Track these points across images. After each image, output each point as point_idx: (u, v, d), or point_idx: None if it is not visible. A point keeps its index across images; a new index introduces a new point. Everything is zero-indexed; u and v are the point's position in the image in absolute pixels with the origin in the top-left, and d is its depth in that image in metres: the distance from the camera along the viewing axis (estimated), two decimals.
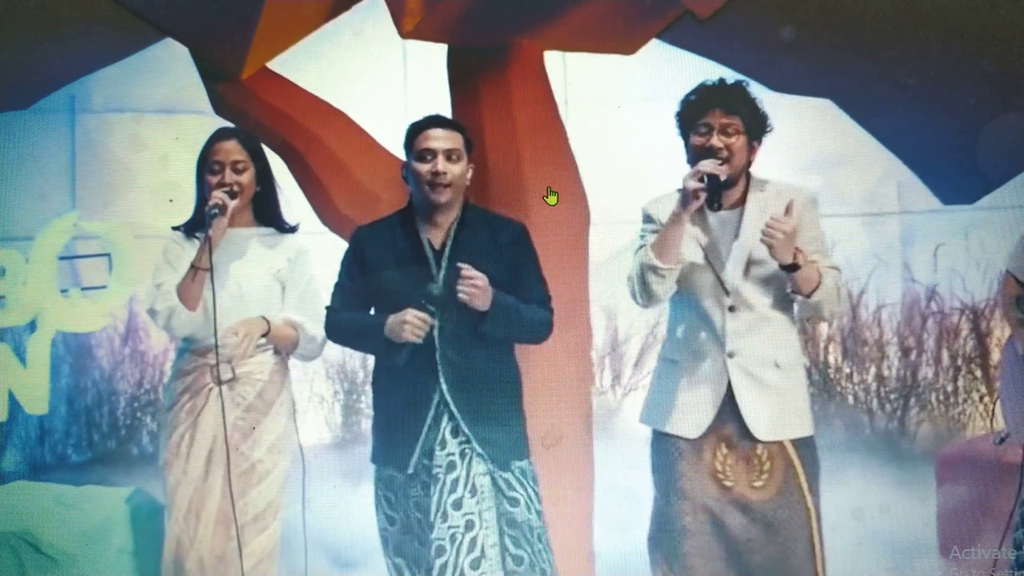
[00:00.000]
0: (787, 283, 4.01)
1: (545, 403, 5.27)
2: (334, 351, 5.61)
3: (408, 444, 4.10)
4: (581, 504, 5.42)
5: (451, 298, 4.07)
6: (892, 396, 6.51)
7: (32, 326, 5.98)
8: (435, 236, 4.21)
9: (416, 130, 4.25)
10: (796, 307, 4.14)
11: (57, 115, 6.65)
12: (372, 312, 4.23)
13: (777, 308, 4.08)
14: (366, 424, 5.84)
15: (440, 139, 4.20)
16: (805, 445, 4.07)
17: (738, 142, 4.04)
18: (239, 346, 4.32)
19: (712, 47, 6.44)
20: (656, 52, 6.56)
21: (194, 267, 4.32)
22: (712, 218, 4.04)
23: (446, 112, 5.39)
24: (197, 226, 4.48)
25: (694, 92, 4.14)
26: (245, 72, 5.39)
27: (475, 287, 4.01)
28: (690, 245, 4.03)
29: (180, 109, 6.00)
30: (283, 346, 4.46)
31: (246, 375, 4.41)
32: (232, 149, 4.44)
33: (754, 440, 4.01)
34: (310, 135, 5.54)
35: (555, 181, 5.43)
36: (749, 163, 4.14)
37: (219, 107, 5.61)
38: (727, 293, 4.03)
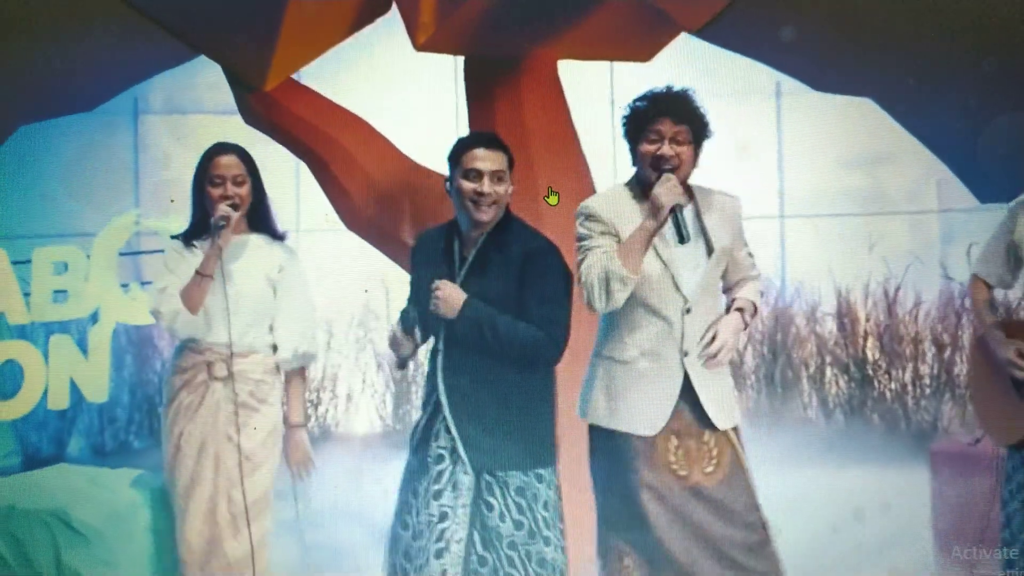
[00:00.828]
0: (718, 285, 4.21)
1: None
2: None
3: (416, 430, 4.27)
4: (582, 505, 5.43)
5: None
6: (928, 392, 6.56)
7: (94, 318, 6.06)
8: (467, 246, 4.27)
9: (463, 147, 4.27)
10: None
11: (120, 117, 6.81)
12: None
13: (717, 307, 4.20)
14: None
15: (487, 160, 4.21)
16: (738, 434, 4.21)
17: (686, 151, 4.08)
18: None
19: (755, 47, 6.53)
20: (700, 51, 6.66)
21: (199, 274, 4.50)
22: (666, 228, 4.06)
23: (463, 120, 5.59)
24: (196, 234, 4.66)
25: (642, 99, 4.14)
26: (268, 84, 5.51)
27: (437, 297, 4.12)
28: (650, 256, 4.08)
29: (235, 110, 6.15)
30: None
31: (240, 373, 4.57)
32: (232, 163, 4.59)
33: (701, 430, 4.12)
34: (332, 142, 5.63)
35: (567, 187, 5.41)
36: (691, 171, 4.18)
37: (247, 116, 5.73)
38: (685, 299, 4.10)
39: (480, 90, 5.63)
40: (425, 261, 4.31)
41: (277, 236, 4.73)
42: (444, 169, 4.58)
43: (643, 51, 5.70)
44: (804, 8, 6.00)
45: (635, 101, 4.14)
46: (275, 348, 4.66)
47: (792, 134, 6.96)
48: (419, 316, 4.20)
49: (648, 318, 4.12)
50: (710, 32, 6.52)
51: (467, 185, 4.17)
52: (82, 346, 6.19)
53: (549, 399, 4.28)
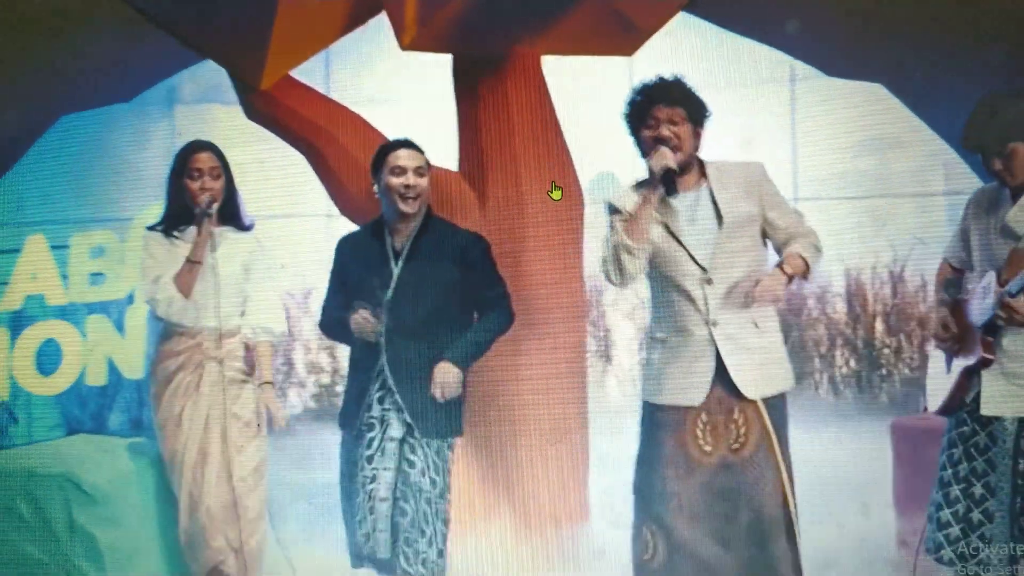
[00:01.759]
0: (753, 251, 4.26)
1: (543, 399, 5.49)
2: None
3: (354, 411, 4.68)
4: (578, 500, 5.63)
5: (402, 293, 4.61)
6: None
7: (130, 299, 6.24)
8: (398, 240, 4.70)
9: (387, 150, 4.74)
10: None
11: (157, 107, 6.95)
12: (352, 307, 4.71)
13: (748, 272, 4.24)
14: None
15: (410, 159, 4.70)
16: (776, 407, 4.26)
17: (684, 130, 4.21)
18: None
19: (767, 32, 6.57)
20: (717, 39, 6.72)
21: (190, 261, 4.82)
22: (678, 203, 4.21)
23: (452, 118, 5.74)
24: (174, 225, 4.95)
25: (638, 92, 4.30)
26: (264, 84, 5.64)
27: (442, 391, 4.58)
28: (659, 231, 4.20)
29: None
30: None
31: (229, 352, 4.93)
32: (209, 159, 4.94)
33: (731, 406, 4.19)
34: (329, 137, 5.76)
35: (550, 180, 5.53)
36: (697, 148, 4.32)
37: (250, 113, 5.88)
38: (703, 268, 4.20)
39: (467, 87, 5.72)
40: (356, 257, 4.73)
41: (244, 227, 5.03)
42: (436, 161, 5.02)
43: (626, 46, 5.74)
44: None
45: (631, 96, 4.29)
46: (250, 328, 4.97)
47: (805, 119, 7.05)
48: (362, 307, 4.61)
49: (673, 294, 4.24)
50: (726, 19, 6.63)
51: (395, 180, 4.66)
52: (119, 326, 6.40)
53: (464, 380, 4.73)
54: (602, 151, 5.55)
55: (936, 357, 4.52)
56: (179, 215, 4.94)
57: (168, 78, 6.90)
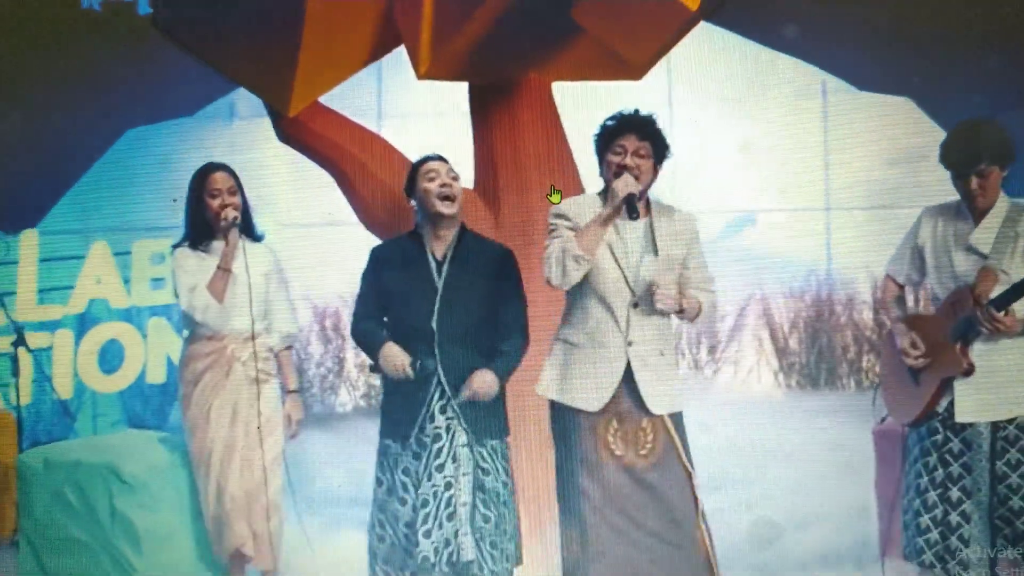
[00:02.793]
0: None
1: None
2: None
3: (408, 421, 4.67)
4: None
5: (449, 302, 4.66)
6: None
7: None
8: (437, 249, 4.74)
9: (418, 164, 4.81)
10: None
11: (217, 121, 7.24)
12: (387, 317, 4.79)
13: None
14: None
15: (440, 167, 4.78)
16: (677, 419, 4.48)
17: (646, 164, 4.40)
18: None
19: (800, 46, 6.66)
20: (752, 54, 6.87)
21: (221, 269, 5.09)
22: (624, 229, 4.42)
23: (468, 139, 5.92)
24: (199, 241, 5.21)
25: (612, 119, 4.48)
26: (291, 111, 5.85)
27: (477, 392, 4.59)
28: (602, 249, 4.41)
29: None
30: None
31: (256, 354, 5.16)
32: (225, 178, 5.20)
33: (640, 415, 4.40)
34: (354, 159, 5.94)
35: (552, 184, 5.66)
36: (651, 184, 4.49)
37: (281, 136, 6.10)
38: (633, 293, 4.41)
39: (481, 111, 5.89)
40: (395, 266, 4.74)
41: (258, 238, 5.29)
42: None
43: (633, 71, 5.82)
44: (850, 11, 6.20)
45: (606, 120, 4.48)
46: (268, 332, 5.22)
47: (837, 131, 7.16)
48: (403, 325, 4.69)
49: (599, 308, 4.42)
50: (763, 35, 6.78)
51: (431, 184, 4.70)
52: (178, 328, 6.68)
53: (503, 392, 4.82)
54: None
55: (896, 372, 4.62)
56: (202, 231, 5.21)
57: (227, 94, 7.16)
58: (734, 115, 7.16)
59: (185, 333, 5.34)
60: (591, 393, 4.42)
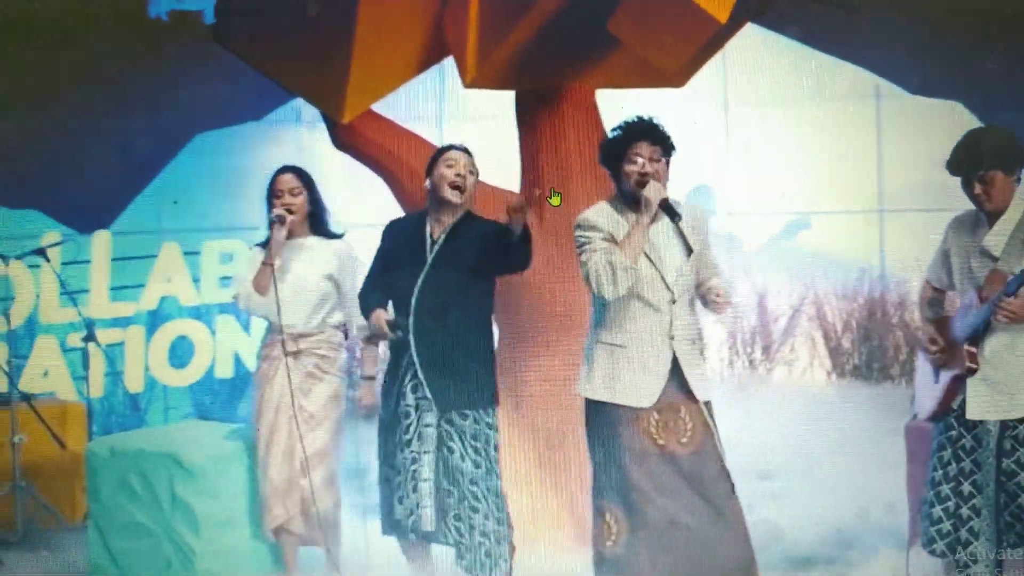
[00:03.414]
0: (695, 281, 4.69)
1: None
2: None
3: (389, 394, 5.06)
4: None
5: (430, 280, 4.94)
6: None
7: None
8: (436, 230, 5.04)
9: (446, 149, 5.11)
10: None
11: (283, 125, 7.40)
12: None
13: (694, 299, 4.70)
14: None
15: (460, 157, 5.07)
16: (710, 407, 4.66)
17: (661, 166, 4.59)
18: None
19: (849, 50, 6.73)
20: (808, 58, 6.92)
21: (264, 263, 5.32)
22: (652, 231, 4.58)
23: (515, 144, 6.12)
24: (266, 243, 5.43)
25: (619, 128, 4.65)
26: (344, 118, 6.05)
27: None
28: (641, 258, 4.58)
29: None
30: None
31: (307, 350, 5.34)
32: (288, 179, 5.40)
33: (678, 406, 4.58)
34: (404, 164, 6.12)
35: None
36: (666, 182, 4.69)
37: (336, 143, 6.29)
38: (671, 291, 4.59)
39: (527, 119, 6.06)
40: (398, 243, 5.10)
41: (332, 236, 5.44)
42: (499, 183, 5.49)
43: (676, 78, 5.94)
44: (901, 15, 6.27)
45: (614, 130, 4.65)
46: (343, 326, 5.39)
47: (890, 133, 7.20)
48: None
49: (642, 309, 4.59)
50: (813, 37, 6.86)
51: (447, 171, 5.01)
52: (245, 325, 6.94)
53: (492, 358, 5.09)
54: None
55: (924, 370, 4.77)
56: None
57: (293, 98, 7.17)
58: (788, 119, 7.25)
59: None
60: (643, 390, 4.58)
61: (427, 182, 5.07)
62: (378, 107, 6.28)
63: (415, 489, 4.95)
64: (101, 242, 6.94)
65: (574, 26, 5.51)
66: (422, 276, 4.97)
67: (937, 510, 4.60)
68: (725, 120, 7.40)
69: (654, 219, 4.51)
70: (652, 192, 4.50)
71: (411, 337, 4.93)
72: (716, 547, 4.58)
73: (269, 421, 5.34)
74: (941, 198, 6.82)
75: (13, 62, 6.73)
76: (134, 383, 6.95)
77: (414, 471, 4.96)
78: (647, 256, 4.57)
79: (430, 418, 4.97)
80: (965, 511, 4.55)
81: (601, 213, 4.64)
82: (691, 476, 4.56)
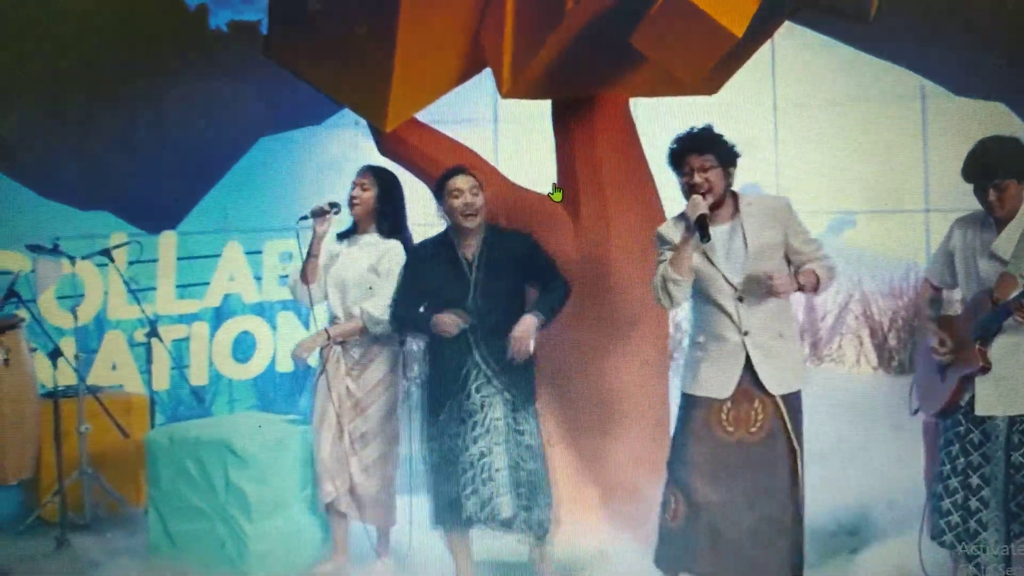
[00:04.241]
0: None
1: (628, 396, 6.02)
2: None
3: (445, 396, 5.33)
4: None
5: (481, 297, 5.28)
6: None
7: None
8: (468, 251, 5.36)
9: (445, 179, 5.40)
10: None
11: (342, 130, 7.60)
12: (422, 308, 5.43)
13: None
14: None
15: (464, 182, 5.37)
16: (792, 401, 4.82)
17: (714, 174, 4.79)
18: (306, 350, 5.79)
19: (892, 50, 6.85)
20: (852, 60, 7.01)
21: (308, 255, 5.69)
22: (715, 234, 4.77)
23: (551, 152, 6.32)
24: (347, 233, 5.81)
25: (675, 142, 4.88)
26: (388, 127, 6.21)
27: (519, 351, 5.22)
28: (698, 257, 4.80)
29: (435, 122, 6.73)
30: (351, 336, 5.68)
31: (355, 340, 5.66)
32: (363, 178, 5.75)
33: (752, 397, 4.78)
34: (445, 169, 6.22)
35: (635, 214, 6.03)
36: (729, 185, 4.86)
37: (381, 150, 6.45)
38: (734, 288, 4.77)
39: (562, 126, 6.22)
40: (432, 266, 5.41)
41: (385, 234, 5.68)
42: (537, 188, 5.89)
43: (708, 86, 6.03)
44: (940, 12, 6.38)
45: (671, 145, 4.87)
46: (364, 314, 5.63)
47: (935, 133, 7.25)
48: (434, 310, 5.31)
49: (711, 308, 4.83)
50: (859, 39, 6.96)
51: (456, 202, 5.32)
52: (304, 321, 7.19)
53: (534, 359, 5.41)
54: None
55: (925, 366, 4.94)
56: (353, 225, 5.81)
57: None
58: (835, 119, 7.36)
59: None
60: (720, 382, 4.83)
61: (439, 211, 5.39)
62: (432, 110, 6.45)
63: (489, 479, 5.22)
64: (168, 242, 7.23)
65: (604, 39, 5.65)
66: (471, 297, 5.30)
67: (946, 503, 4.77)
68: (773, 120, 7.53)
69: (704, 240, 4.70)
70: (689, 209, 4.73)
71: (475, 352, 5.26)
72: (768, 541, 4.81)
73: (321, 404, 5.68)
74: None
75: (91, 69, 7.04)
76: (198, 376, 7.22)
77: (485, 464, 5.23)
78: (707, 258, 4.79)
79: (498, 412, 5.26)
80: (974, 503, 4.71)
81: (669, 226, 4.92)
82: (757, 465, 4.78)
